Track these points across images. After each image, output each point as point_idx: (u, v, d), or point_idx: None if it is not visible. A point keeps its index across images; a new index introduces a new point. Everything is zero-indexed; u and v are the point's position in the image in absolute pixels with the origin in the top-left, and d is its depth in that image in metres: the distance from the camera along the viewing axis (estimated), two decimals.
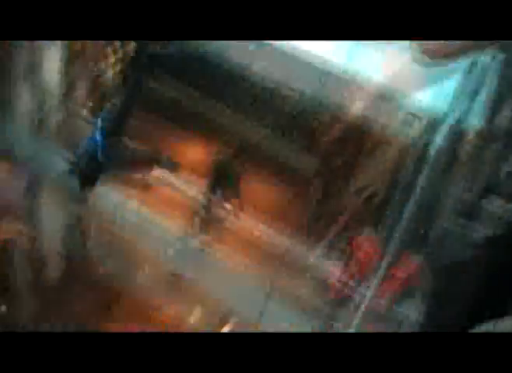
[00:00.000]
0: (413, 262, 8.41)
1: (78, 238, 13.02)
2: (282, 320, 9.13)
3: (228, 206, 10.42)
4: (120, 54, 7.21)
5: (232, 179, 10.21)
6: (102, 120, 5.42)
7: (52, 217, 12.55)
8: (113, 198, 10.41)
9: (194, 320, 12.99)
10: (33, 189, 10.92)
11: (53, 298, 8.89)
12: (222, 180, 10.14)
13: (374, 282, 7.93)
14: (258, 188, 11.75)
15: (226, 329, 12.04)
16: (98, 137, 5.34)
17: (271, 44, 5.75)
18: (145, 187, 9.95)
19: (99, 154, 5.39)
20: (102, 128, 5.36)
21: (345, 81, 6.07)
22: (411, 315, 8.43)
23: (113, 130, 5.42)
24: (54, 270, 12.54)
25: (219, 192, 10.32)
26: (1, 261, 10.04)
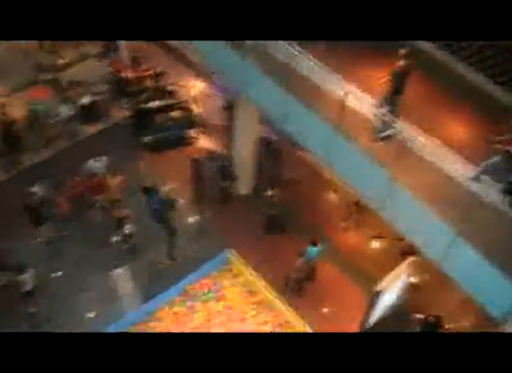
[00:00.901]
0: None
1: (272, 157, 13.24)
2: (467, 261, 8.72)
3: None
4: None
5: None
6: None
7: (243, 135, 13.06)
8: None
9: (374, 247, 12.84)
10: (228, 108, 11.72)
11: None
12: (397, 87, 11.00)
13: None
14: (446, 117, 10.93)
15: (404, 264, 11.64)
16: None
17: None
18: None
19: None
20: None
21: None
22: None
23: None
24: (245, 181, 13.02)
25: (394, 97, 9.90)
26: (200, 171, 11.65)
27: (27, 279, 12.88)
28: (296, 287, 13.79)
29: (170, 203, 13.88)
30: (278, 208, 15.05)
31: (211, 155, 16.88)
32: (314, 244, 13.19)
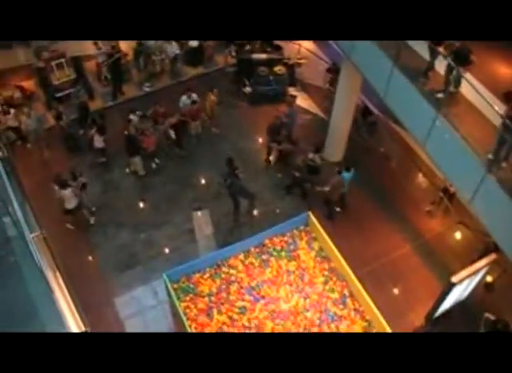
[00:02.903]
0: None
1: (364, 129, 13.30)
2: (495, 202, 8.88)
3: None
4: None
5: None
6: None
7: (343, 101, 13.01)
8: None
9: (457, 238, 12.57)
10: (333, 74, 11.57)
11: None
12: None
13: None
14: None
15: (485, 261, 11.45)
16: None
17: None
18: None
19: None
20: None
21: None
22: None
23: None
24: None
25: None
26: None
27: (67, 195, 13.45)
28: (326, 208, 14.61)
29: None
30: (304, 173, 14.86)
31: (285, 114, 16.17)
32: (347, 169, 14.18)
